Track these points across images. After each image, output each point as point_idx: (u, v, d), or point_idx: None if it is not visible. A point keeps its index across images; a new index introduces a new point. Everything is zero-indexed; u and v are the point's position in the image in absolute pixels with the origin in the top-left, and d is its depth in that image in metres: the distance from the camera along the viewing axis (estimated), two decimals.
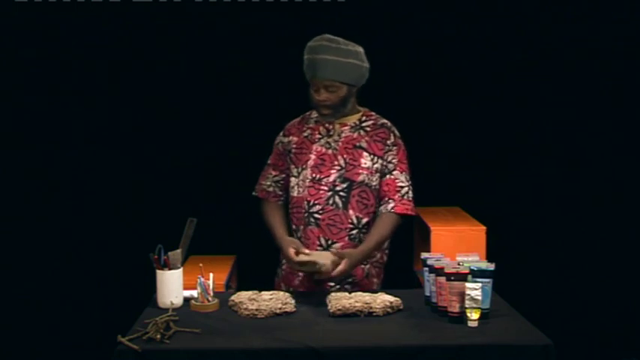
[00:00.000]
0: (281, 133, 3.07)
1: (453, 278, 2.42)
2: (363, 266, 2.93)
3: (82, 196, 4.02)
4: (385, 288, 2.70)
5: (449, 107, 4.10)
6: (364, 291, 2.71)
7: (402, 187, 2.92)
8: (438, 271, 2.50)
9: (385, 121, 3.00)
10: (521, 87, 4.09)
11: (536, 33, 4.05)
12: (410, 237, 3.96)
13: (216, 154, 4.02)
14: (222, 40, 4.00)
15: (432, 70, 4.07)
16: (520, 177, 4.12)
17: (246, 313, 2.49)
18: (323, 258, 2.70)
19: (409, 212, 2.92)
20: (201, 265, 2.68)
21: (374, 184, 2.93)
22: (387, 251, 3.04)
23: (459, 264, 2.54)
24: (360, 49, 2.89)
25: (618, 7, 4.00)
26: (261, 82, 4.00)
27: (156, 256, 2.58)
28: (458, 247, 3.14)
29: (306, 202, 2.91)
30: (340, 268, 2.73)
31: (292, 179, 2.97)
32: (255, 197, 3.08)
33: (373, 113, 3.01)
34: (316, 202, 2.90)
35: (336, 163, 2.92)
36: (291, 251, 2.77)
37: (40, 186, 4.00)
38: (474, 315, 2.36)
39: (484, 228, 3.39)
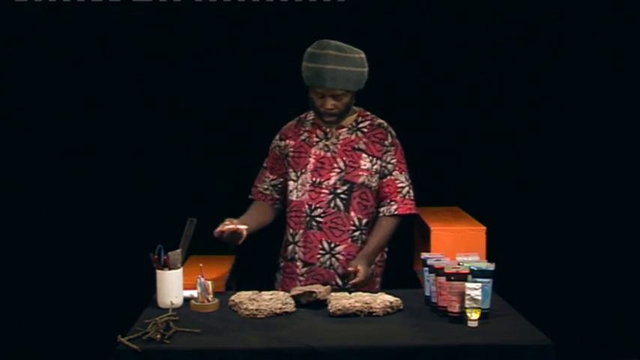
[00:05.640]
0: (277, 137, 3.07)
1: (453, 278, 2.42)
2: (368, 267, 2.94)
3: (82, 196, 4.01)
4: (385, 288, 2.70)
5: (449, 107, 4.10)
6: (366, 291, 2.72)
7: (403, 187, 2.98)
8: (438, 271, 2.50)
9: (381, 121, 3.03)
10: (522, 87, 4.09)
11: (535, 33, 4.04)
12: (410, 237, 3.95)
13: (216, 154, 4.02)
14: (223, 40, 3.99)
15: (432, 69, 4.07)
16: (520, 177, 4.11)
17: (246, 313, 2.49)
18: (316, 286, 2.67)
19: (412, 212, 3.00)
20: (201, 265, 2.69)
21: (373, 185, 2.96)
22: (386, 249, 3.07)
23: (459, 264, 2.54)
24: (363, 55, 2.91)
25: (617, 7, 4.00)
26: (261, 83, 4.00)
27: (156, 256, 2.58)
28: (458, 247, 3.13)
29: (307, 206, 2.92)
30: (360, 273, 2.74)
31: (290, 183, 2.98)
32: (251, 200, 3.09)
33: (368, 113, 3.03)
34: (317, 205, 2.91)
35: (335, 165, 2.93)
36: (221, 227, 2.77)
37: (40, 186, 4.00)
38: (474, 315, 2.37)
39: (484, 228, 3.39)
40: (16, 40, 3.93)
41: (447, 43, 4.06)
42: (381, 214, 2.98)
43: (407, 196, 2.98)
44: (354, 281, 2.73)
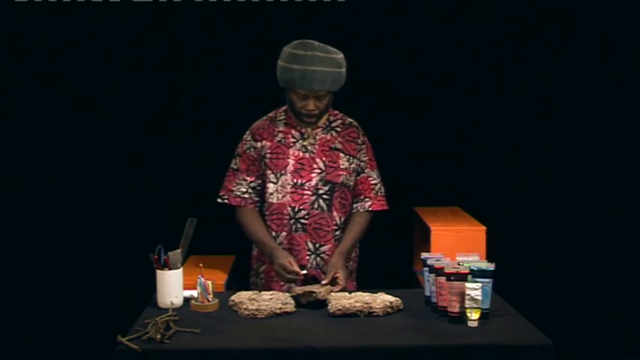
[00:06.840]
0: (249, 137, 3.02)
1: (453, 278, 2.42)
2: (346, 264, 2.95)
3: (82, 196, 4.01)
4: (385, 288, 2.70)
5: (449, 107, 4.10)
6: (365, 291, 2.72)
7: (376, 184, 3.04)
8: (438, 271, 2.50)
9: (351, 119, 3.07)
10: (521, 87, 4.09)
11: (535, 33, 4.04)
12: (410, 237, 3.96)
13: (216, 154, 4.02)
14: (223, 40, 3.99)
15: (432, 69, 4.07)
16: (520, 177, 4.11)
17: (246, 313, 2.49)
18: (316, 286, 2.68)
19: (385, 208, 3.06)
20: (201, 265, 2.69)
21: (351, 183, 3.01)
22: (357, 244, 3.08)
23: (459, 264, 2.54)
24: (342, 55, 2.90)
25: (617, 7, 3.99)
26: (262, 83, 4.00)
27: (156, 256, 2.59)
28: (458, 247, 3.14)
29: (290, 208, 2.92)
30: (340, 278, 2.75)
31: (270, 185, 2.95)
32: (224, 205, 3.03)
33: (337, 112, 3.05)
34: (301, 207, 2.91)
35: (315, 166, 2.94)
36: (286, 262, 2.78)
37: (40, 186, 3.99)
38: (474, 315, 2.37)
39: (484, 228, 3.39)
40: (16, 40, 3.93)
41: (447, 42, 4.06)
42: (354, 210, 3.02)
43: (379, 193, 3.04)
44: (336, 289, 2.70)
